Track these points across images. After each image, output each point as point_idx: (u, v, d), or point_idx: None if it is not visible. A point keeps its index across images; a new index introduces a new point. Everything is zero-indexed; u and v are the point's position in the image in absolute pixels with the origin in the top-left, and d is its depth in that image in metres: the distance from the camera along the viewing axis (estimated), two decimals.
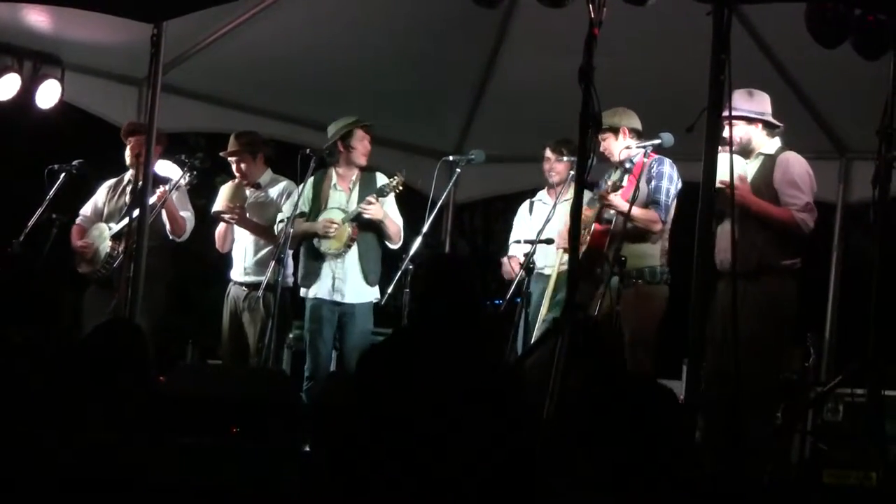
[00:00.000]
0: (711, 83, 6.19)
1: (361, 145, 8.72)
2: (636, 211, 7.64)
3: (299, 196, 8.58)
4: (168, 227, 8.93)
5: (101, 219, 9.16)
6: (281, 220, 8.68)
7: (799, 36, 7.11)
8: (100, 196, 9.26)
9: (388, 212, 8.66)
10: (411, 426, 4.65)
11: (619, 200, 7.70)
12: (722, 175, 6.63)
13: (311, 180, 8.73)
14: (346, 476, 4.67)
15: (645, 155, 7.80)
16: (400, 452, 4.62)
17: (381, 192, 8.58)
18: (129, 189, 9.07)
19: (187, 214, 9.10)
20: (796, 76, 9.11)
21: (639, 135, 8.01)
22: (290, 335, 9.87)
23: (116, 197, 9.17)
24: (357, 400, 4.81)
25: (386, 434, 4.65)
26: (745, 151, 7.26)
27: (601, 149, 7.86)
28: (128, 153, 9.00)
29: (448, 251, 7.98)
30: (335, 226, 8.62)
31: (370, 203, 8.53)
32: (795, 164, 7.26)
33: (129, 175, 9.14)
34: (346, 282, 8.63)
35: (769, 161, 7.27)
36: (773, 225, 7.12)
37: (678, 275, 7.78)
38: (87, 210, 9.25)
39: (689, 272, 7.71)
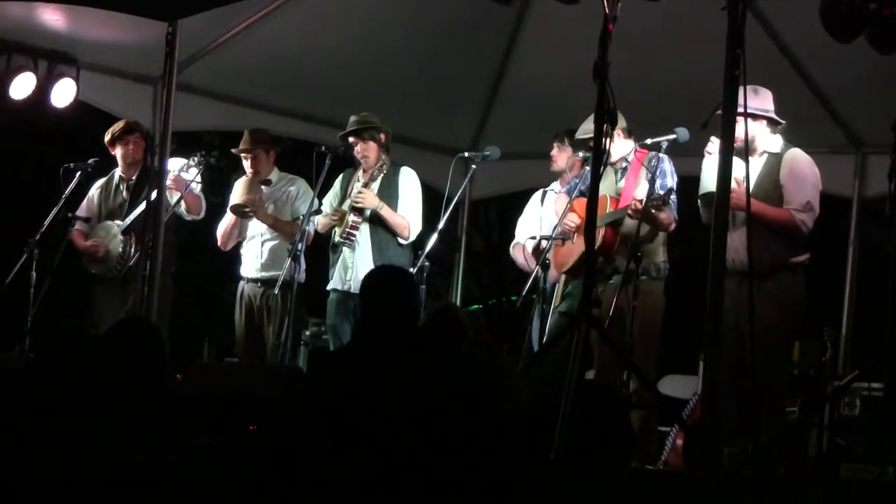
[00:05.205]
0: (726, 78, 6.17)
1: (356, 150, 8.75)
2: (661, 215, 7.61)
3: (317, 192, 8.60)
4: (184, 206, 8.94)
5: (99, 219, 9.15)
6: (318, 212, 8.69)
7: (814, 30, 7.09)
8: (93, 197, 9.22)
9: (402, 206, 8.65)
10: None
11: (665, 215, 7.62)
12: (710, 185, 6.66)
13: (341, 175, 8.80)
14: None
15: (636, 151, 7.81)
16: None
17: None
18: (122, 186, 9.10)
19: (199, 193, 9.13)
20: (811, 70, 9.09)
21: (629, 132, 7.95)
22: (307, 332, 9.88)
23: (112, 195, 9.15)
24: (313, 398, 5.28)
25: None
26: (750, 149, 7.17)
27: None
28: (123, 153, 9.04)
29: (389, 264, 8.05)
30: (339, 213, 8.66)
31: (360, 192, 8.59)
32: (801, 163, 7.28)
33: (118, 172, 9.15)
34: (357, 272, 8.60)
35: (775, 160, 7.26)
36: (773, 226, 7.10)
37: (682, 273, 7.76)
38: (82, 212, 9.17)
39: (691, 269, 7.72)
